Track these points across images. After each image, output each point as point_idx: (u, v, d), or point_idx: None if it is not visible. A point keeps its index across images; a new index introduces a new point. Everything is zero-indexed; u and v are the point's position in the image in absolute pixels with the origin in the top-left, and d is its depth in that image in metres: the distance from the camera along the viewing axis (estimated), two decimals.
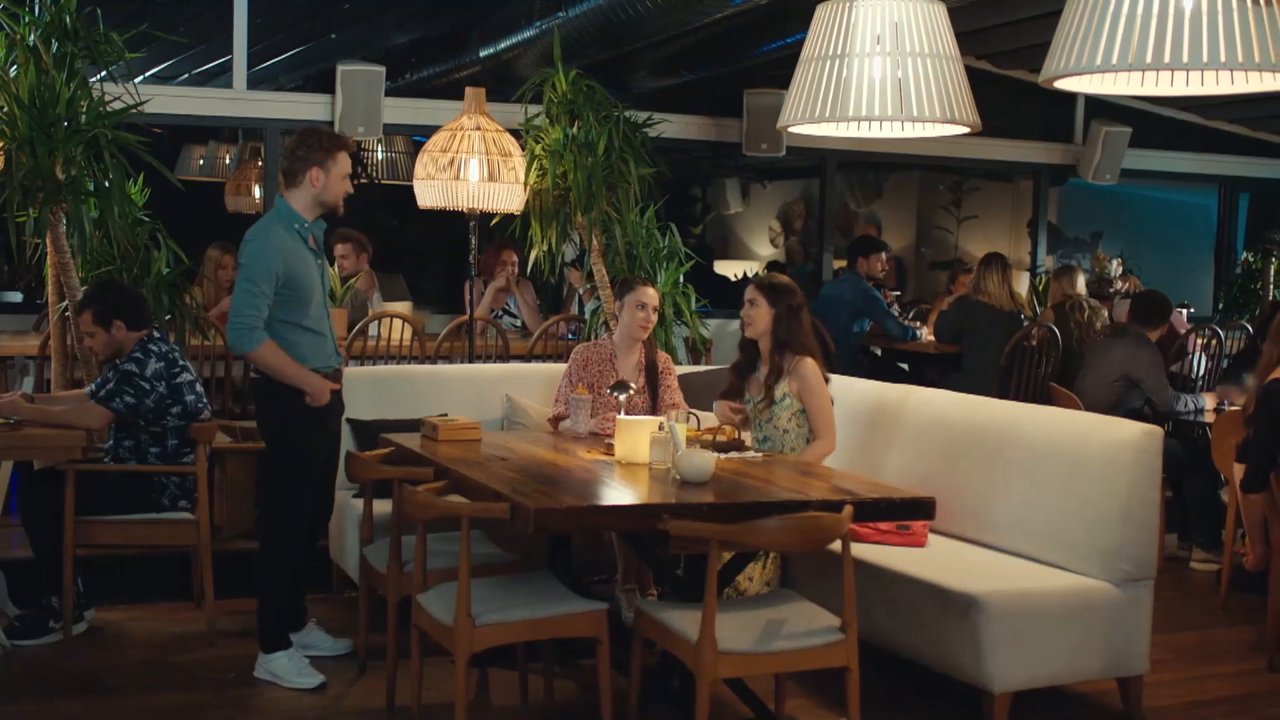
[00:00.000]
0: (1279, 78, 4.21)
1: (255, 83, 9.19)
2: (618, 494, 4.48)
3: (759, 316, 5.49)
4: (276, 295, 4.94)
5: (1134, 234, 14.30)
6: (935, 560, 5.07)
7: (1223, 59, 3.98)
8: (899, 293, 12.44)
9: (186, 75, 13.45)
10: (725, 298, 10.21)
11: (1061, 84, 4.46)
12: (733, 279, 14.81)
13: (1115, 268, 9.82)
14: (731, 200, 16.92)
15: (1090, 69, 4.16)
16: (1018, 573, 4.93)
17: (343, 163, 5.07)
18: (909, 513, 4.55)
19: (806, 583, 5.13)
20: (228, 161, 13.06)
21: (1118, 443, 4.89)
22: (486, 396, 6.35)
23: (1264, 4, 3.98)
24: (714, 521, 4.03)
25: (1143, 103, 11.43)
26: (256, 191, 12.00)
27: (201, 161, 13.05)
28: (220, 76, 12.16)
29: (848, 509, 4.12)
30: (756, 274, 10.79)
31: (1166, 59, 4.03)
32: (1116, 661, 4.86)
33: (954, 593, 4.69)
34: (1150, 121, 11.63)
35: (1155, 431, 4.91)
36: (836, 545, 4.12)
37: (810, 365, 5.42)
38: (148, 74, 12.39)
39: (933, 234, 15.39)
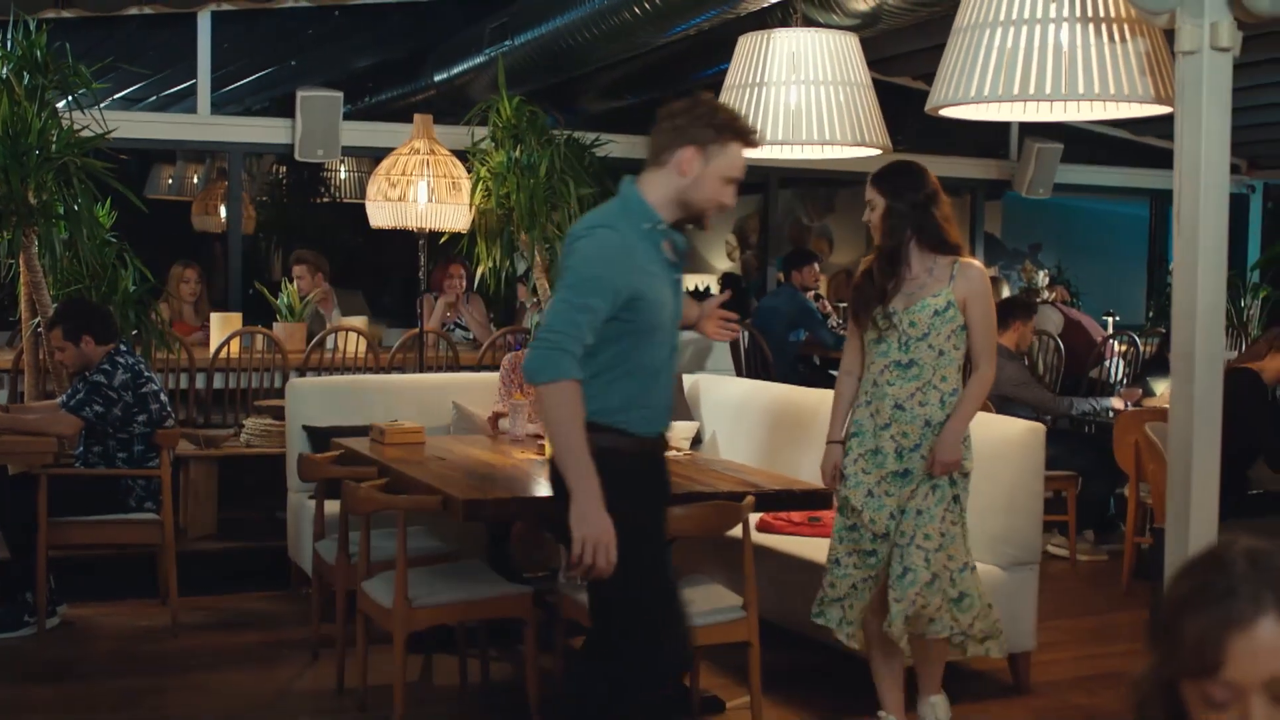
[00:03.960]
0: (1133, 107, 4.68)
1: (219, 105, 9.61)
2: (544, 488, 4.91)
3: (880, 219, 4.63)
4: (611, 321, 3.53)
5: (1072, 245, 14.81)
6: None
7: (1080, 90, 4.44)
8: (845, 304, 12.90)
9: (154, 98, 13.83)
10: None
11: (945, 112, 4.93)
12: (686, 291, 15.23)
13: (1042, 278, 10.30)
14: None
15: (967, 100, 4.63)
16: None
17: (733, 156, 3.68)
18: (808, 503, 5.00)
19: (719, 569, 5.57)
20: (195, 181, 13.45)
21: (1003, 439, 5.35)
22: (434, 404, 6.77)
23: (1119, 41, 4.45)
24: None
25: (1076, 118, 11.91)
26: (223, 211, 12.40)
27: (170, 181, 13.44)
28: (185, 99, 12.55)
29: (749, 499, 4.57)
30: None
31: (1032, 90, 4.49)
32: (1005, 639, 5.30)
33: None
34: (1082, 137, 12.14)
35: (1038, 428, 5.38)
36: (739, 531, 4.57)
37: (979, 269, 4.64)
38: (115, 97, 12.76)
39: None
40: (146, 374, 6.09)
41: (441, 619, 4.74)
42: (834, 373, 9.82)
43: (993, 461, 5.33)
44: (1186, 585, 1.59)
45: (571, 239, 3.59)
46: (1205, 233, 4.18)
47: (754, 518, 5.32)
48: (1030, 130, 11.75)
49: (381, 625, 4.70)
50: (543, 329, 3.47)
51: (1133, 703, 1.68)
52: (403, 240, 10.02)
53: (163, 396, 6.14)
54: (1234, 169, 12.81)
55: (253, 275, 10.79)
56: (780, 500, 4.95)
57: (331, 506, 5.78)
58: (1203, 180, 4.20)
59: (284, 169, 13.72)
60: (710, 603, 4.63)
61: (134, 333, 6.98)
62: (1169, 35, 4.31)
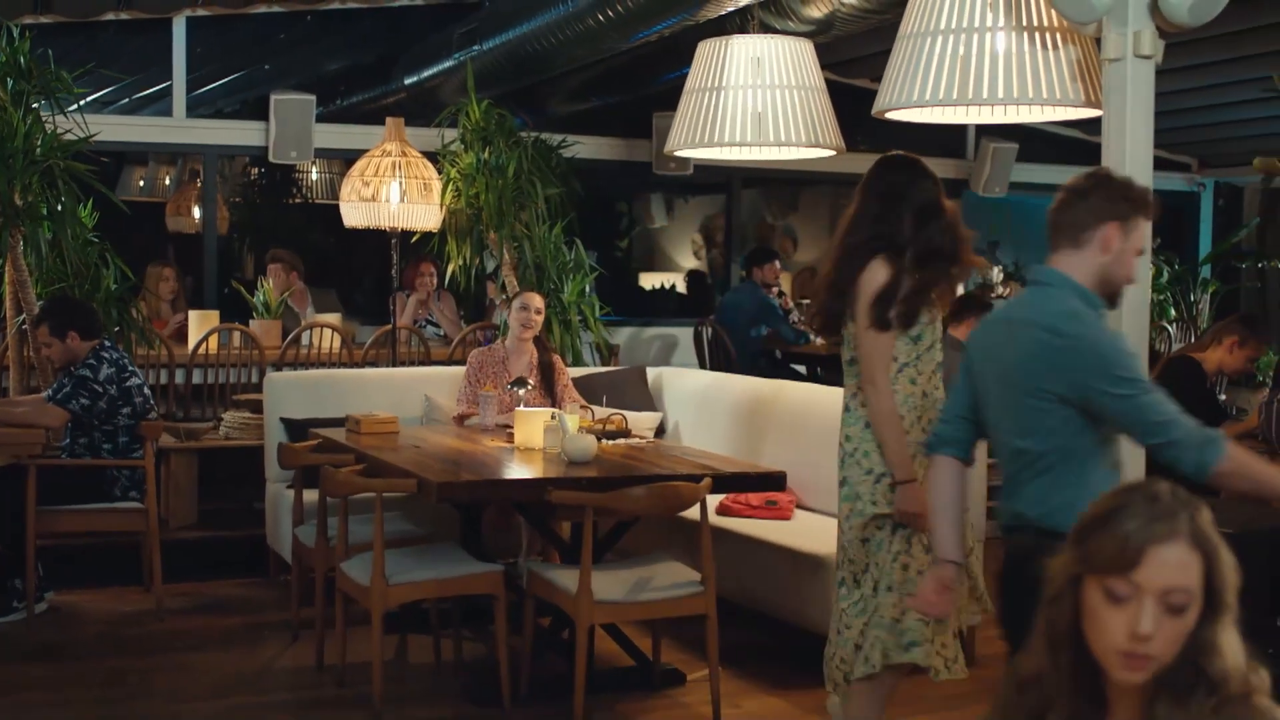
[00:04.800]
0: (1070, 110, 4.96)
1: (191, 109, 9.84)
2: (513, 472, 5.20)
3: None
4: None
5: (1029, 243, 15.12)
6: (795, 530, 5.82)
7: (1016, 94, 4.72)
8: (808, 301, 13.19)
9: (126, 100, 14.02)
10: (646, 307, 10.98)
11: (891, 115, 5.21)
12: (648, 289, 15.54)
13: (997, 274, 10.61)
14: (655, 215, 17.65)
15: (911, 104, 4.91)
16: None
17: (1144, 229, 3.53)
18: (763, 485, 5.30)
19: (679, 551, 5.84)
20: (168, 182, 13.64)
21: None
22: (406, 397, 7.03)
23: (1052, 49, 4.74)
24: (591, 492, 4.75)
25: (1021, 122, 12.24)
26: (196, 212, 12.60)
27: (142, 183, 13.63)
28: (158, 101, 12.75)
29: (706, 480, 4.85)
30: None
31: (971, 94, 4.77)
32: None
33: (806, 554, 5.44)
34: (1038, 137, 12.48)
35: None
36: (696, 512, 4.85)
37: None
38: (87, 100, 12.96)
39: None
40: (130, 368, 6.33)
41: (417, 595, 5.00)
42: (797, 366, 10.20)
43: None
44: (1119, 501, 1.95)
45: (1056, 334, 3.25)
46: None
47: (713, 502, 5.62)
48: (986, 131, 12.09)
49: (360, 602, 4.96)
50: (1170, 426, 3.10)
51: (1046, 597, 1.98)
52: (374, 240, 10.26)
53: (146, 390, 6.38)
54: (1184, 168, 13.20)
55: (226, 275, 11.04)
56: (737, 482, 5.25)
57: (310, 496, 6.04)
58: (1128, 174, 4.47)
59: (256, 171, 13.93)
60: (670, 578, 4.91)
61: (116, 329, 7.21)
62: (1098, 43, 4.60)
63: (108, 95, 13.71)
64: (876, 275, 4.22)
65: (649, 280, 16.53)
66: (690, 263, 17.38)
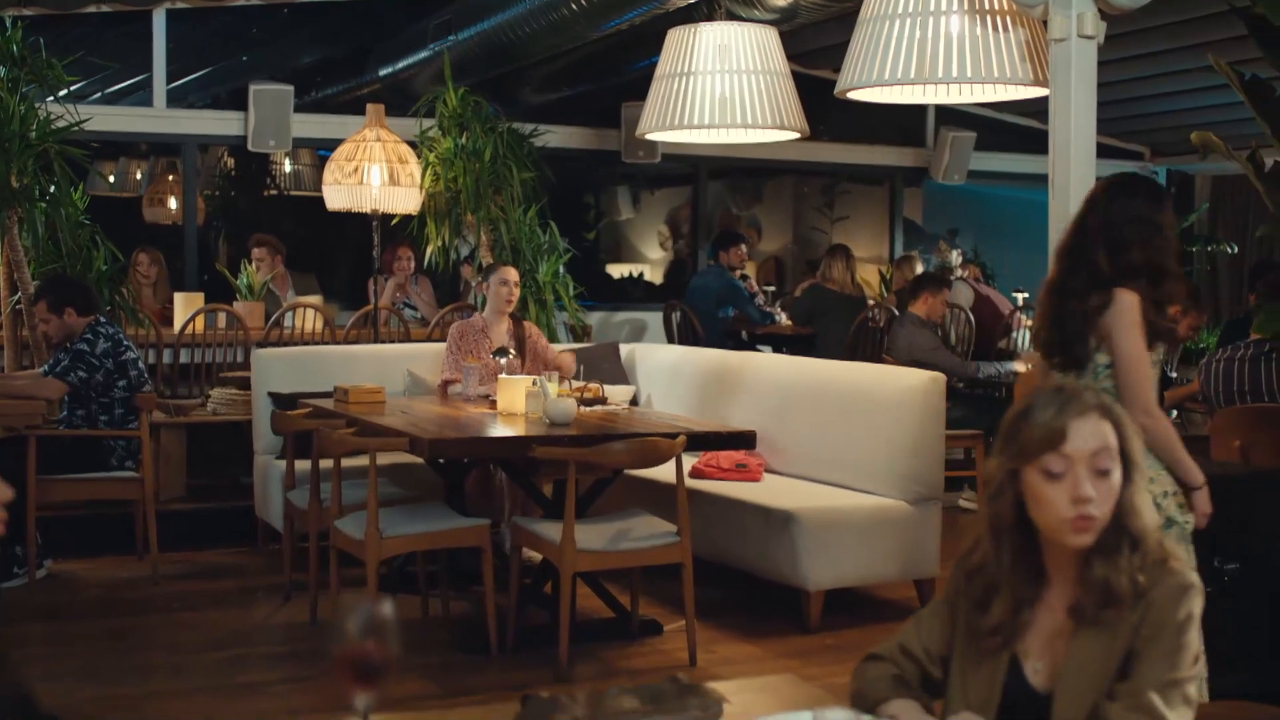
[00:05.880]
0: (1020, 89, 5.29)
1: (170, 100, 10.08)
2: (499, 432, 5.49)
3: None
4: None
5: (988, 230, 15.50)
6: (765, 490, 6.13)
7: (969, 74, 5.05)
8: (773, 287, 13.52)
9: (99, 95, 14.20)
10: (614, 294, 11.30)
11: (853, 95, 5.52)
12: (616, 276, 15.84)
13: (955, 257, 10.97)
14: (623, 207, 17.94)
15: (871, 83, 5.23)
16: (830, 495, 6.02)
17: None
18: (735, 443, 5.61)
19: (657, 513, 6.14)
20: (139, 176, 13.84)
21: (909, 388, 5.98)
22: (390, 372, 7.29)
23: (1002, 31, 5.06)
24: (573, 447, 5.05)
25: (988, 110, 12.62)
26: (172, 203, 12.81)
27: (113, 178, 13.83)
28: (131, 95, 12.95)
29: (681, 437, 5.15)
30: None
31: (927, 74, 5.10)
32: (912, 566, 5.93)
33: (776, 510, 5.76)
34: (996, 126, 12.85)
35: (939, 378, 6.01)
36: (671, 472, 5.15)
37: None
38: (65, 91, 13.15)
39: (808, 235, 16.54)
40: (125, 343, 6.59)
41: (409, 547, 5.29)
42: (763, 346, 10.50)
43: (900, 408, 5.95)
44: (1031, 399, 2.31)
45: None
46: (1075, 191, 4.76)
47: (686, 465, 5.91)
48: (945, 120, 12.45)
49: (355, 555, 5.24)
50: None
51: (987, 496, 2.30)
52: (350, 229, 10.55)
53: (140, 364, 6.64)
54: (1137, 156, 13.59)
55: (206, 262, 11.26)
56: (710, 440, 5.56)
57: (301, 466, 6.30)
58: (1073, 149, 4.82)
59: (230, 162, 14.15)
60: (648, 529, 5.22)
61: (108, 309, 7.45)
62: (1045, 25, 4.93)
63: (82, 89, 13.91)
64: (1130, 301, 3.96)
65: (616, 271, 16.84)
66: (657, 254, 17.68)
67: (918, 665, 2.42)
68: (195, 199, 10.34)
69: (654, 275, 15.19)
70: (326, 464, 5.59)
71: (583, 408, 5.91)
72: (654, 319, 10.88)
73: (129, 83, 13.30)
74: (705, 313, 9.91)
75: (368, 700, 2.09)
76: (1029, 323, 10.29)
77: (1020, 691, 2.29)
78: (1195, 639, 2.22)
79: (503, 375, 6.08)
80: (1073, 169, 4.84)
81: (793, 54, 7.23)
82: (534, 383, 5.84)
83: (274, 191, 13.45)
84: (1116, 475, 2.25)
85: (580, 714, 2.36)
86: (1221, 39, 9.11)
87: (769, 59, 6.65)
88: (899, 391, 5.98)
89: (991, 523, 2.35)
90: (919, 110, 12.49)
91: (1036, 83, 5.04)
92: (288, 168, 13.37)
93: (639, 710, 2.44)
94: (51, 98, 7.36)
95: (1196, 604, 2.22)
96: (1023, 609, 2.31)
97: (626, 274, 16.13)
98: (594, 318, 10.42)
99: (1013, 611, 2.31)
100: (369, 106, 8.57)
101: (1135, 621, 2.21)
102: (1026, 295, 11.52)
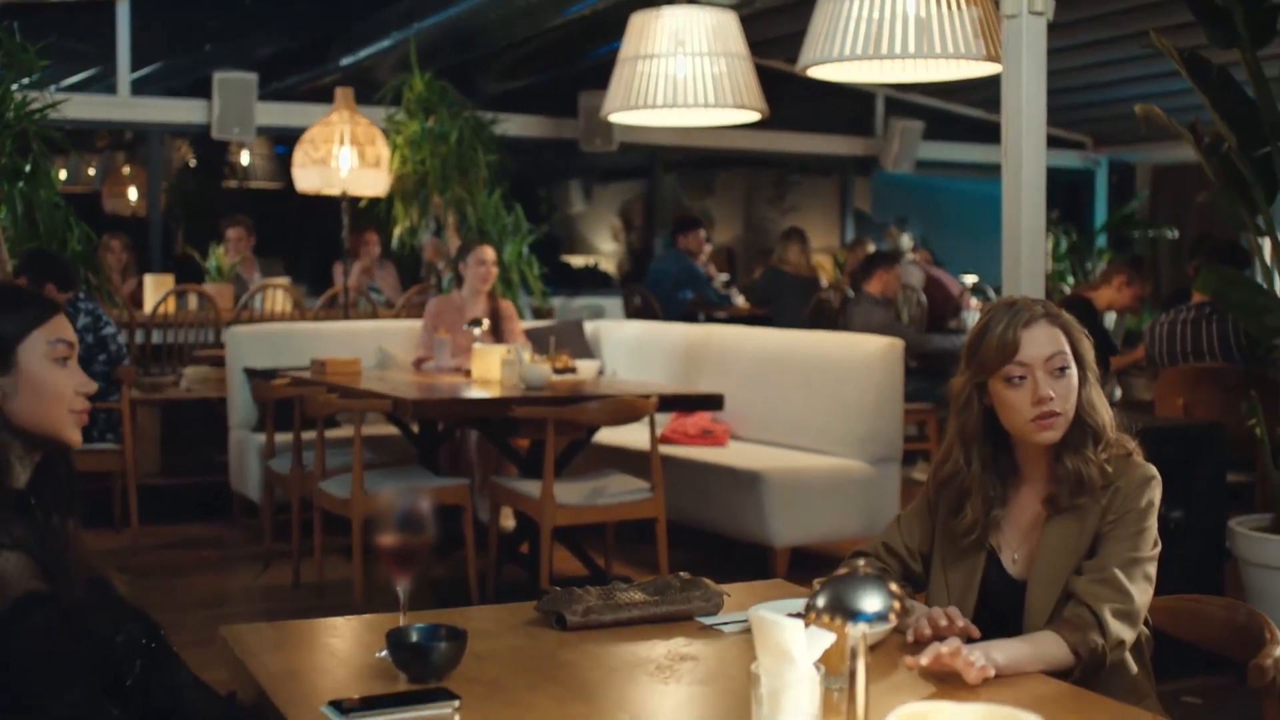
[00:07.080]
0: (975, 65, 5.54)
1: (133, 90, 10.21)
2: (479, 394, 5.70)
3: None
4: None
5: (936, 220, 15.86)
6: (732, 453, 6.38)
7: (925, 49, 5.30)
8: (728, 276, 13.79)
9: (54, 87, 14.25)
10: (568, 282, 11.57)
11: (812, 72, 5.76)
12: (576, 267, 16.08)
13: (906, 240, 11.26)
14: (575, 200, 18.16)
15: (829, 59, 5.46)
16: (794, 457, 6.26)
17: None
18: (703, 405, 5.85)
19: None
20: (92, 173, 13.93)
21: (868, 354, 6.23)
22: (362, 347, 7.44)
23: (957, 10, 5.31)
24: (550, 406, 5.27)
25: (936, 100, 12.94)
26: (132, 194, 12.91)
27: (64, 174, 13.90)
28: (90, 85, 13.04)
29: (653, 397, 5.38)
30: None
31: (884, 50, 5.34)
32: (872, 524, 6.17)
33: (742, 471, 6.00)
34: (943, 117, 13.16)
35: (897, 344, 6.27)
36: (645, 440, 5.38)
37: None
38: (24, 81, 13.21)
39: (759, 225, 16.83)
40: (105, 319, 6.74)
41: None
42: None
43: (860, 373, 6.21)
44: (984, 318, 2.57)
45: None
46: (1028, 165, 5.03)
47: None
48: (894, 110, 12.75)
49: (340, 514, 5.43)
50: None
51: (954, 410, 2.54)
52: (314, 217, 10.70)
53: (119, 339, 6.79)
54: (1080, 145, 13.95)
55: (170, 247, 11.38)
56: (680, 401, 5.79)
57: (281, 438, 6.45)
58: (1024, 121, 5.07)
59: (190, 151, 14.26)
60: (623, 486, 5.44)
61: (84, 286, 7.58)
62: (997, 3, 5.18)
63: (43, 78, 13.94)
64: None
65: (576, 261, 17.08)
66: (609, 246, 17.93)
67: (900, 561, 2.66)
68: (159, 185, 10.48)
69: (608, 266, 15.44)
70: (308, 435, 5.78)
71: (554, 376, 6.12)
72: (613, 304, 11.12)
73: (86, 74, 13.38)
74: (665, 295, 10.13)
75: (406, 584, 2.33)
76: (978, 305, 10.61)
77: (999, 580, 2.54)
78: (1154, 525, 2.47)
79: (477, 345, 6.28)
80: (1024, 141, 5.08)
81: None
82: (509, 350, 6.05)
83: (234, 183, 13.57)
84: (1073, 372, 2.50)
85: (593, 603, 2.59)
86: (1164, 25, 9.42)
87: (729, 41, 6.88)
88: (859, 358, 6.24)
89: (960, 433, 2.59)
90: (868, 99, 12.79)
91: (989, 58, 5.28)
92: (245, 159, 13.49)
93: (647, 601, 2.67)
94: (26, 79, 7.47)
95: (1157, 493, 2.48)
96: (994, 508, 2.55)
97: (583, 265, 16.37)
98: (554, 302, 10.64)
99: (984, 512, 2.55)
100: (338, 90, 8.74)
101: (1103, 507, 2.46)
102: (976, 278, 11.86)
